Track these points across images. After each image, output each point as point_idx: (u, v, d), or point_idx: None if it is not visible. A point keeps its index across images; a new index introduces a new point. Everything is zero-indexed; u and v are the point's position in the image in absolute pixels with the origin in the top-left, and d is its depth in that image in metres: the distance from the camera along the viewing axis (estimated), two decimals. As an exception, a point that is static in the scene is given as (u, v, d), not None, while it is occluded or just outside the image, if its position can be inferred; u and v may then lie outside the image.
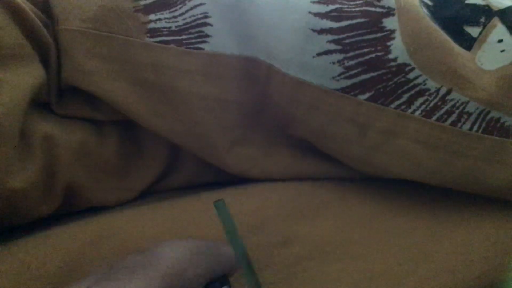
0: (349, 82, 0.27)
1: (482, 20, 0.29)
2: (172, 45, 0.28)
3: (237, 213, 0.28)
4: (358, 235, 0.28)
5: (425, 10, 0.29)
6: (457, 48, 0.28)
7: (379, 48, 0.27)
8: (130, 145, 0.30)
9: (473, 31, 0.29)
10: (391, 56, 0.27)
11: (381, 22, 0.27)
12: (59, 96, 0.28)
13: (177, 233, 0.26)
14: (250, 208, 0.28)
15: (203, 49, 0.28)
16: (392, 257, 0.27)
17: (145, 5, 0.28)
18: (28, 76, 0.26)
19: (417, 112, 0.27)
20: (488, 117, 0.27)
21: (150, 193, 0.31)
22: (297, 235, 0.28)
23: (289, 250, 0.27)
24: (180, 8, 0.28)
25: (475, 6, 0.29)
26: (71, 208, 0.29)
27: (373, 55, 0.27)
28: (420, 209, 0.30)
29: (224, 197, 0.29)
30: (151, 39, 0.27)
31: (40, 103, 0.28)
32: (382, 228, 0.28)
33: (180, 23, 0.28)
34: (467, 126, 0.27)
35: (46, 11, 0.28)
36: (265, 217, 0.28)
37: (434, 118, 0.27)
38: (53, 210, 0.28)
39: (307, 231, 0.28)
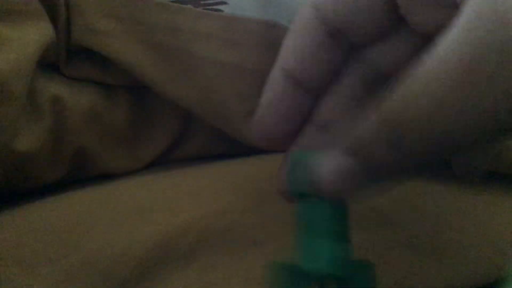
0: None
1: None
2: (189, 5, 0.26)
3: (253, 182, 0.26)
4: None
5: None
6: None
7: None
8: (141, 112, 0.29)
9: None
10: None
11: None
12: (68, 56, 0.27)
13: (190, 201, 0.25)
14: (266, 177, 0.27)
15: (222, 11, 0.27)
16: None
17: None
18: (35, 34, 0.24)
19: None
20: None
21: (160, 163, 0.30)
22: None
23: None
24: None
25: None
26: (80, 175, 0.28)
27: None
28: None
29: (237, 166, 0.28)
30: None
31: (48, 64, 0.26)
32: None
33: None
34: None
35: None
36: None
37: None
38: (61, 176, 0.27)
39: None
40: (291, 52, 0.19)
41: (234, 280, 0.21)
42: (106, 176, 0.29)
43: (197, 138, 0.31)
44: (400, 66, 0.19)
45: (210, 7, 0.27)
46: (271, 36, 0.27)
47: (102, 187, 0.25)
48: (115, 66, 0.27)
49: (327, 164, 0.16)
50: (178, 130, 0.30)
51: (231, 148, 0.31)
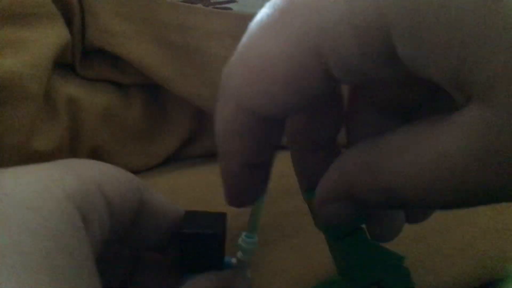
0: None
1: None
2: (199, 5, 0.27)
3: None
4: None
5: None
6: None
7: None
8: (155, 109, 0.30)
9: None
10: None
11: None
12: (83, 57, 0.28)
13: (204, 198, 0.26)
14: (278, 175, 0.27)
15: (231, 9, 0.27)
16: None
17: None
18: (51, 36, 0.25)
19: None
20: None
21: (175, 159, 0.31)
22: None
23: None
24: None
25: None
26: None
27: None
28: None
29: None
30: None
31: (64, 65, 0.27)
32: None
33: None
34: None
35: None
36: (294, 184, 0.27)
37: None
38: None
39: None
40: (230, 140, 0.17)
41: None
42: None
43: (210, 135, 0.31)
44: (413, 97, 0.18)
45: (220, 5, 0.27)
46: None
47: None
48: (129, 65, 0.27)
49: (332, 210, 0.17)
50: (192, 126, 0.31)
51: None
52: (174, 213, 0.20)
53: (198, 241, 0.19)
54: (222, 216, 0.21)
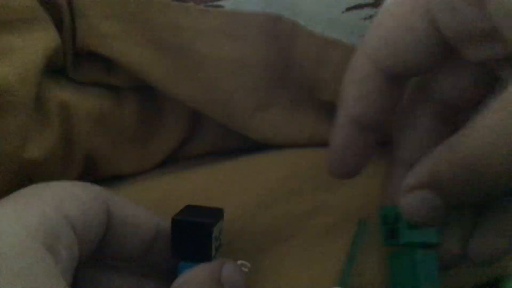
0: None
1: None
2: (191, 3, 0.26)
3: (264, 181, 0.27)
4: None
5: None
6: None
7: None
8: (150, 111, 0.29)
9: None
10: None
11: None
12: (75, 60, 0.27)
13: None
14: (278, 177, 0.27)
15: (223, 6, 0.27)
16: None
17: None
18: (41, 41, 0.25)
19: None
20: None
21: (171, 160, 0.31)
22: (326, 204, 0.27)
23: (318, 219, 0.26)
24: None
25: None
26: (92, 178, 0.28)
27: None
28: None
29: (249, 164, 0.28)
30: None
31: (55, 69, 0.27)
32: None
33: None
34: None
35: None
36: (294, 186, 0.27)
37: None
38: (72, 180, 0.27)
39: (336, 199, 0.27)
40: (355, 101, 0.21)
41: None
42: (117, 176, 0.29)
43: (207, 134, 0.31)
44: (468, 97, 0.21)
45: (212, 3, 0.27)
46: (274, 29, 0.27)
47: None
48: (121, 67, 0.27)
49: (415, 202, 0.19)
50: (187, 127, 0.30)
51: (242, 141, 0.31)
52: (147, 223, 0.21)
53: (187, 228, 0.21)
54: (218, 211, 0.22)
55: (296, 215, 0.26)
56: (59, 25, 0.26)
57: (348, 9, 0.26)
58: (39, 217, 0.16)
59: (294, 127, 0.30)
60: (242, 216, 0.23)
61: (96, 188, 0.20)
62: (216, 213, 0.22)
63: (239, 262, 0.21)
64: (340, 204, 0.27)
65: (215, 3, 0.27)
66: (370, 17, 0.25)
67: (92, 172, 0.28)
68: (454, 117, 0.22)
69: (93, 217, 0.18)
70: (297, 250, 0.25)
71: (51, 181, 0.20)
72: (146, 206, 0.23)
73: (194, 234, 0.20)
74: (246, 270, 0.22)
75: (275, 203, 0.26)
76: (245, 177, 0.27)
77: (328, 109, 0.30)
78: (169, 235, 0.21)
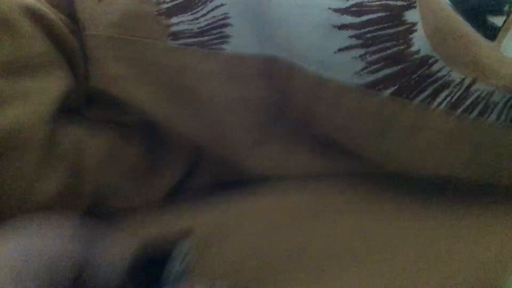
0: (372, 77, 0.27)
1: (506, 8, 0.28)
2: (194, 47, 0.28)
3: (253, 215, 0.28)
4: (380, 236, 0.28)
5: (446, 1, 0.29)
6: (480, 38, 0.27)
7: (401, 41, 0.27)
8: (155, 146, 0.31)
9: (497, 20, 0.28)
10: (413, 49, 0.27)
11: (403, 15, 0.27)
12: (87, 100, 0.29)
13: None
14: (266, 212, 0.28)
15: (224, 49, 0.28)
16: (414, 257, 0.27)
17: (167, 8, 0.28)
18: (56, 84, 0.26)
19: (442, 105, 0.27)
20: None
21: (174, 194, 0.32)
22: (316, 239, 0.27)
23: (307, 255, 0.27)
24: (202, 9, 0.29)
25: None
26: (99, 212, 0.30)
27: (396, 49, 0.27)
28: (440, 208, 0.29)
29: (239, 199, 0.29)
30: (174, 42, 0.28)
31: (69, 108, 0.28)
32: (404, 227, 0.28)
33: (202, 24, 0.28)
34: (493, 116, 0.26)
35: (73, 17, 0.29)
36: (282, 220, 0.28)
37: (459, 110, 0.27)
38: (80, 213, 0.28)
39: (326, 235, 0.28)
40: None
41: None
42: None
43: (210, 167, 0.32)
44: None
45: (214, 46, 0.28)
46: (272, 69, 0.29)
47: None
48: (129, 106, 0.29)
49: None
50: (191, 160, 0.32)
51: (241, 174, 0.32)
52: (122, 260, 0.22)
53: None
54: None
55: (284, 251, 0.27)
56: (74, 68, 0.28)
57: (340, 50, 0.27)
58: (10, 279, 0.18)
59: (290, 160, 0.31)
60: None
61: (70, 235, 0.22)
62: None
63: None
64: (331, 238, 0.28)
65: (218, 47, 0.28)
66: (360, 56, 0.27)
67: (101, 204, 0.29)
68: None
69: (62, 270, 0.20)
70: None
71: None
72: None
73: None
74: None
75: (262, 237, 0.27)
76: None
77: (321, 143, 0.32)
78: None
